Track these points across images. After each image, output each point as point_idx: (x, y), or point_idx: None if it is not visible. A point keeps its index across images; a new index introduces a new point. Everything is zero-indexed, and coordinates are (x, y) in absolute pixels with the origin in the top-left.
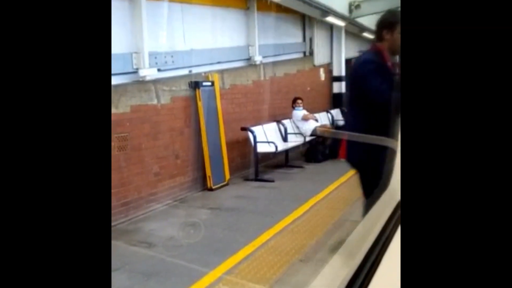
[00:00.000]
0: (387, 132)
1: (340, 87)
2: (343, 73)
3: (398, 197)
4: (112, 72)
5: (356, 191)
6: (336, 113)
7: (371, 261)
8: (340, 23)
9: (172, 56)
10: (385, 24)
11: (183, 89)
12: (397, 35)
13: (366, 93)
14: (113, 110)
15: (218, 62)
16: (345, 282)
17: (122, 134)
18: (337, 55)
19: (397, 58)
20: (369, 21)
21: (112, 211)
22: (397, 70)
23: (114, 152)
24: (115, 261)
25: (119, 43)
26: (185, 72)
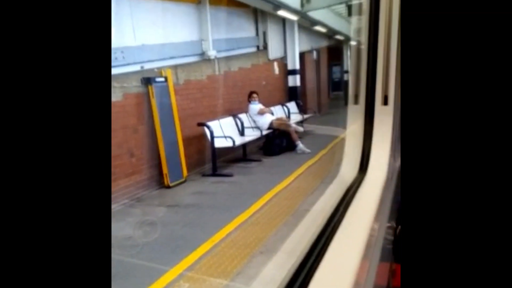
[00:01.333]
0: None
1: (295, 81)
2: (298, 67)
3: (348, 183)
4: None
5: (311, 183)
6: (292, 106)
7: (319, 248)
8: (293, 17)
9: (122, 52)
10: None
11: (135, 86)
12: None
13: None
14: None
15: (171, 58)
16: (293, 270)
17: None
18: (291, 49)
19: None
20: (321, 15)
21: None
22: None
23: None
24: None
25: None
26: (136, 68)
